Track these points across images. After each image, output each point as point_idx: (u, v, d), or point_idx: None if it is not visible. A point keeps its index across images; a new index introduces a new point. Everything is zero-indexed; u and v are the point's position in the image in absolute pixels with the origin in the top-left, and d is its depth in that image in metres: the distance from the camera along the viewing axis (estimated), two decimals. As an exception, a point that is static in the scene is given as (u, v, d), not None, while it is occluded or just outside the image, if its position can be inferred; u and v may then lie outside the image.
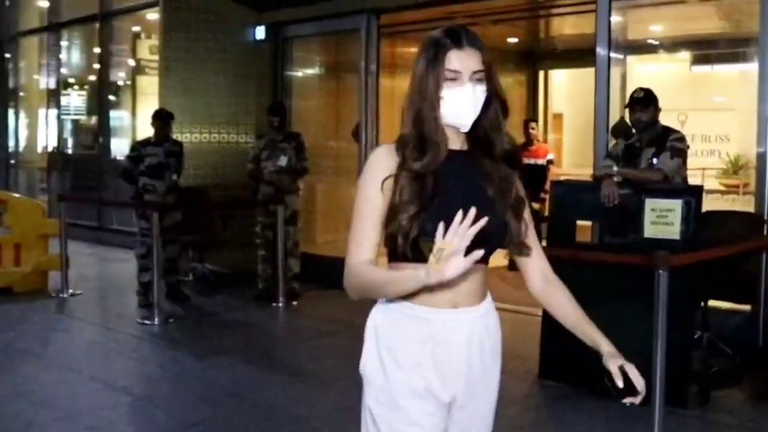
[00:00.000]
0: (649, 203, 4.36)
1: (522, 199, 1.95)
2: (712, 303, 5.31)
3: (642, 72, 10.20)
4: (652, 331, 3.73)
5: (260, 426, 4.28)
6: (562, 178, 7.75)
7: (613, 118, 6.14)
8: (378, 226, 1.85)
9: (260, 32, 8.96)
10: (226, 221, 8.27)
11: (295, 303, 7.34)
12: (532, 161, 8.92)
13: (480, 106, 1.85)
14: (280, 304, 7.23)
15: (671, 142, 4.73)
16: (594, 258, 4.41)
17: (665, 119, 5.01)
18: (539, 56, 11.81)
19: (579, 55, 9.16)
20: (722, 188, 8.43)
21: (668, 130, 4.84)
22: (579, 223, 4.92)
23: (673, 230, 4.28)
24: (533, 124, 9.43)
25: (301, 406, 4.54)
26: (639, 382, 1.82)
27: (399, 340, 1.89)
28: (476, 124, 1.87)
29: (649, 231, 4.34)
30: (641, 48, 8.50)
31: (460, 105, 1.83)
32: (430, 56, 1.84)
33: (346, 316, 6.13)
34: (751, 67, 6.10)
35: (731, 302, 5.46)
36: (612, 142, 5.66)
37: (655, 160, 4.74)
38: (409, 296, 1.81)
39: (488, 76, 1.86)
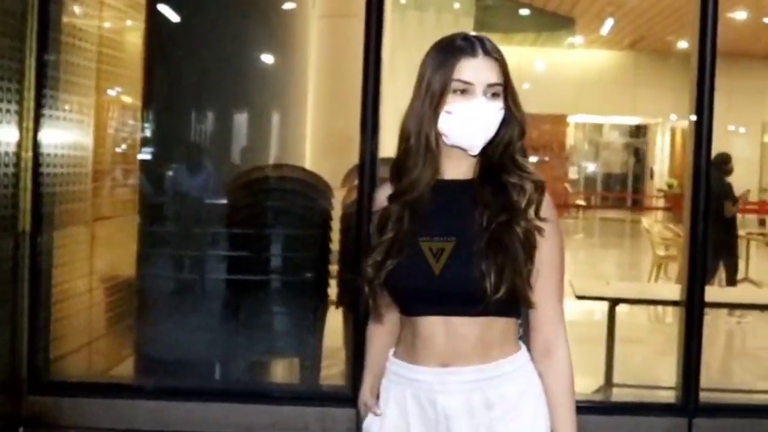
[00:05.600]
0: None
1: (532, 239, 1.54)
2: None
3: None
4: None
5: None
6: None
7: None
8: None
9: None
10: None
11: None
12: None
13: (494, 127, 1.55)
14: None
15: None
16: None
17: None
18: None
19: None
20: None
21: None
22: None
23: None
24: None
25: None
26: None
27: (383, 400, 1.65)
28: (488, 147, 1.57)
29: None
30: None
31: (469, 123, 1.53)
32: (438, 61, 1.54)
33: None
34: None
35: None
36: None
37: None
38: (395, 350, 1.64)
39: (506, 92, 1.56)
